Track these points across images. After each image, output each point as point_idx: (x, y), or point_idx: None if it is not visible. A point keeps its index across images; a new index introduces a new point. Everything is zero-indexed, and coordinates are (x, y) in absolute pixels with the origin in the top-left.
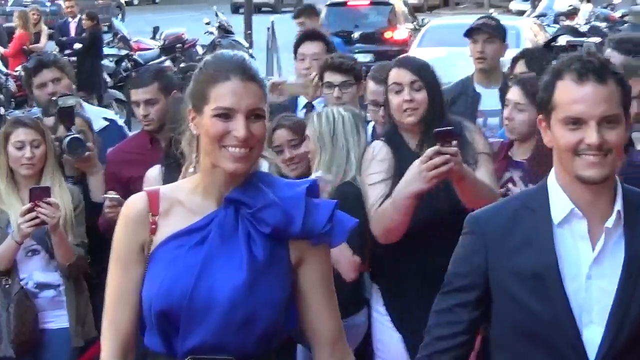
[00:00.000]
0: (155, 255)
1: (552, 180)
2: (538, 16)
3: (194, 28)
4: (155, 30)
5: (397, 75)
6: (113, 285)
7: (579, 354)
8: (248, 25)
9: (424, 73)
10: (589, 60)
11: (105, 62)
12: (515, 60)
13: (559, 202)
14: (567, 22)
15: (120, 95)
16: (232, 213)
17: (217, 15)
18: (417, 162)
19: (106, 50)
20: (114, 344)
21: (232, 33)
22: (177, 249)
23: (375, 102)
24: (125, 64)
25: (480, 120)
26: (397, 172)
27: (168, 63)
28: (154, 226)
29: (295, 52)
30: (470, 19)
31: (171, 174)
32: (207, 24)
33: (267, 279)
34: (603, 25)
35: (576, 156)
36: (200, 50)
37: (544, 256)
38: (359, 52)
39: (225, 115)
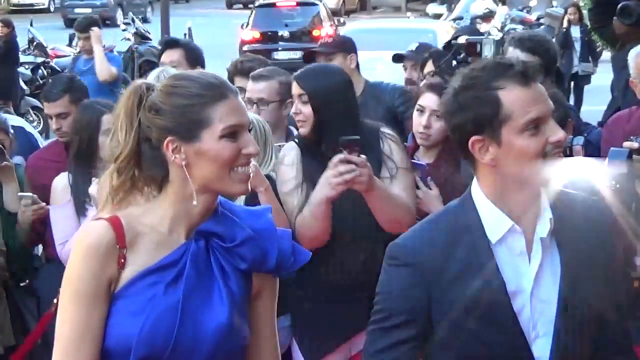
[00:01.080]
0: (125, 293)
1: (480, 197)
2: (455, 19)
3: (111, 34)
4: (72, 37)
5: (293, 87)
6: (74, 324)
7: None
8: (165, 31)
9: (310, 86)
10: (521, 64)
11: (21, 69)
12: (424, 61)
13: (494, 220)
14: (484, 25)
15: (37, 102)
16: (203, 246)
17: (133, 21)
18: (326, 171)
19: (22, 58)
20: None
21: (150, 39)
22: (152, 286)
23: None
24: (41, 71)
25: None
26: (308, 175)
27: None
28: (122, 260)
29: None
30: (387, 23)
31: (80, 182)
32: (124, 30)
33: (242, 315)
34: (519, 27)
35: (543, 161)
36: None
37: (489, 280)
38: (288, 50)
39: (234, 134)
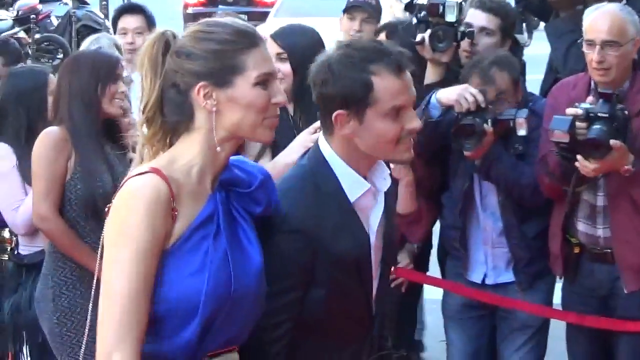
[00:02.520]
0: (181, 250)
1: (336, 161)
2: None
3: None
4: (9, 1)
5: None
6: (134, 280)
7: (369, 312)
8: None
9: (288, 44)
10: (398, 53)
11: None
12: (377, 32)
13: (352, 182)
14: None
15: None
16: (225, 196)
17: None
18: (304, 132)
19: None
20: (137, 342)
21: (87, 4)
22: (202, 241)
23: None
24: None
25: None
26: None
27: (22, 34)
28: (175, 213)
29: (115, 26)
30: None
31: (23, 150)
32: None
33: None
34: None
35: (398, 144)
36: (54, 20)
37: (357, 237)
38: (233, 13)
39: (266, 82)
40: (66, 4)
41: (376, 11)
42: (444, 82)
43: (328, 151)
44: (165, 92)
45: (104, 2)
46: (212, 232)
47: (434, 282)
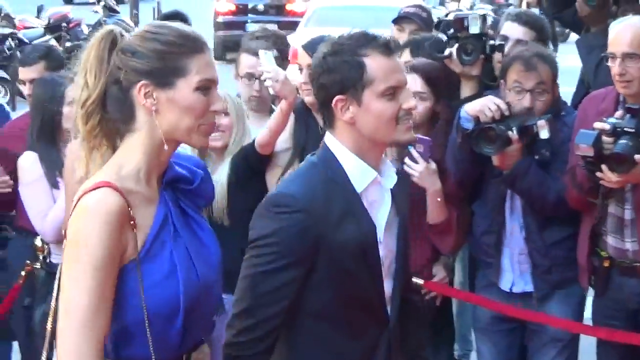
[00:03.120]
0: (149, 256)
1: (342, 151)
2: None
3: (78, 7)
4: (40, 8)
5: (300, 57)
6: (92, 293)
7: (381, 307)
8: (134, 5)
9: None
10: (385, 37)
11: None
12: (401, 49)
13: (359, 172)
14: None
15: (4, 74)
16: (172, 193)
17: None
18: None
19: None
20: (96, 354)
21: (118, 12)
22: (165, 244)
23: (251, 75)
24: (9, 42)
25: None
26: (296, 141)
27: (53, 42)
28: (133, 222)
29: None
30: (356, 1)
31: (49, 157)
32: (92, 3)
33: None
34: (488, 7)
35: (397, 124)
36: (85, 29)
37: (363, 225)
38: (261, 22)
39: (207, 88)
40: (97, 12)
41: (426, 23)
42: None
43: (334, 143)
44: (108, 88)
45: (134, 12)
46: (170, 232)
47: (464, 296)
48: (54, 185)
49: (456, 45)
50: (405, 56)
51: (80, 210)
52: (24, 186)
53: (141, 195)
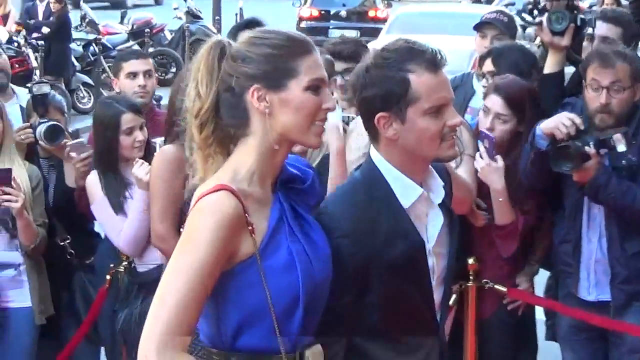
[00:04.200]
0: (267, 254)
1: (387, 167)
2: (507, 4)
3: (161, 13)
4: (123, 14)
5: None
6: (190, 287)
7: (432, 317)
8: (216, 11)
9: None
10: (432, 51)
11: (73, 45)
12: (482, 58)
13: (404, 187)
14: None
15: (87, 79)
16: (285, 194)
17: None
18: None
19: (74, 34)
20: (179, 346)
21: (201, 18)
22: (281, 239)
23: None
24: (93, 48)
25: (468, 116)
26: None
27: (136, 47)
28: (251, 227)
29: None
30: (438, 7)
31: (108, 183)
32: (175, 9)
33: None
34: None
35: (442, 141)
36: (168, 35)
37: (412, 242)
38: (343, 29)
39: (317, 88)
40: (180, 18)
41: (508, 29)
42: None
43: (377, 158)
44: (221, 96)
45: (217, 17)
46: (285, 231)
47: (547, 304)
48: (118, 209)
49: (547, 14)
50: (488, 66)
51: (198, 210)
52: (92, 205)
53: (256, 198)
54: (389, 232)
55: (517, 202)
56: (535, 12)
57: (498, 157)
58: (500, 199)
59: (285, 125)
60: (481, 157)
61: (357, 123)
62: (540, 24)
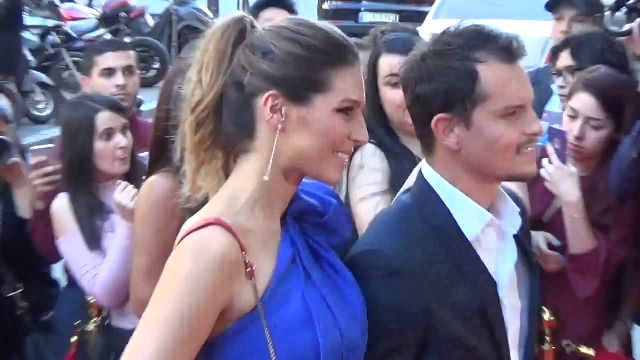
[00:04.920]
0: (272, 305)
1: (445, 186)
2: None
3: None
4: None
5: (393, 62)
6: (168, 347)
7: None
8: None
9: None
10: (506, 36)
11: (26, 34)
12: (556, 50)
13: (469, 213)
14: None
15: (45, 78)
16: (299, 229)
17: None
18: None
19: (28, 20)
20: None
21: None
22: (294, 287)
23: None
24: (53, 37)
25: (544, 123)
26: (397, 186)
27: (109, 37)
28: (249, 269)
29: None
30: None
31: (82, 208)
32: None
33: None
34: None
35: (517, 154)
36: (150, 20)
37: (481, 285)
38: (381, 12)
39: (349, 111)
40: None
41: (591, 8)
42: None
43: (433, 177)
44: (227, 92)
45: None
46: (300, 276)
47: None
48: (93, 245)
49: (639, 20)
50: (565, 59)
51: (181, 249)
52: (61, 239)
53: (259, 234)
54: (450, 272)
55: (601, 227)
56: (621, 13)
57: (570, 160)
58: (576, 216)
59: (299, 150)
60: (550, 160)
61: (368, 154)
62: (629, 33)
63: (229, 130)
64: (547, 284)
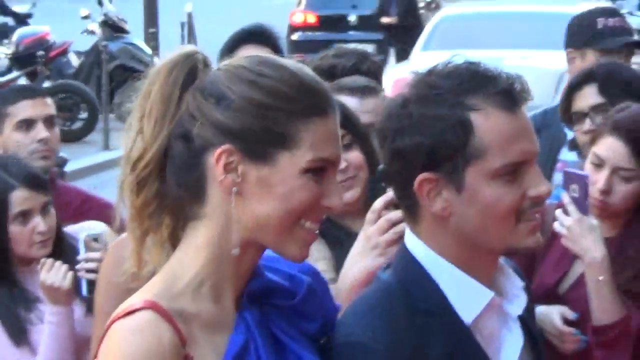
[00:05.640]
0: None
1: (434, 259)
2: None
3: (64, 25)
4: (4, 29)
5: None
6: None
7: None
8: (150, 20)
9: (353, 119)
10: (507, 78)
11: None
12: (575, 88)
13: (464, 292)
14: None
15: None
16: (259, 314)
17: (100, 2)
18: (361, 235)
19: None
20: None
21: (126, 31)
22: None
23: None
24: None
25: (557, 175)
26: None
27: (24, 81)
28: None
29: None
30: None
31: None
32: (85, 17)
33: None
34: None
35: (518, 222)
36: (74, 59)
37: None
38: (356, 42)
39: (321, 172)
40: (93, 32)
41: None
42: None
43: (419, 249)
44: (172, 144)
45: (151, 30)
46: None
47: None
48: (16, 337)
49: None
50: (591, 96)
51: (110, 345)
52: None
53: (207, 319)
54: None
55: (632, 294)
56: None
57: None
58: (601, 278)
59: (258, 218)
60: (565, 212)
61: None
62: None
63: (173, 192)
64: None
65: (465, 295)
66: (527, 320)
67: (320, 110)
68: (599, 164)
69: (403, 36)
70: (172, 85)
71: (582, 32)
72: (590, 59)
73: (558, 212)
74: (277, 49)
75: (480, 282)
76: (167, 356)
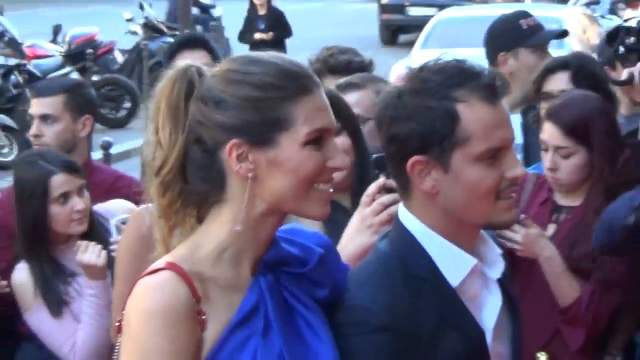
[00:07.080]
0: (219, 355)
1: (424, 231)
2: (588, 4)
3: (110, 26)
4: (57, 30)
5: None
6: None
7: None
8: (184, 17)
9: (343, 109)
10: (489, 74)
11: None
12: (550, 71)
13: (451, 259)
14: (628, 11)
15: (8, 120)
16: (273, 279)
17: (142, 7)
18: (356, 215)
19: None
20: None
21: (164, 33)
22: (246, 343)
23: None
24: (15, 77)
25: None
26: (334, 242)
27: (75, 75)
28: (202, 317)
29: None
30: (493, 10)
31: (42, 278)
32: (129, 20)
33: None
34: None
35: (497, 199)
36: (119, 56)
37: (469, 334)
38: (424, 6)
39: (320, 140)
40: (135, 33)
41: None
42: None
43: (411, 222)
44: (190, 149)
45: (185, 32)
46: (259, 328)
47: None
48: (56, 314)
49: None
50: (562, 81)
51: (135, 300)
52: (25, 315)
53: (222, 282)
54: (436, 322)
55: (583, 271)
56: (621, 48)
57: (527, 220)
58: (558, 270)
59: (277, 192)
60: (513, 229)
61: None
62: (631, 81)
63: (198, 188)
64: (541, 329)
65: (452, 262)
66: (505, 283)
67: (305, 89)
68: (545, 148)
69: None
70: (177, 99)
71: (509, 35)
72: (523, 56)
73: (508, 233)
74: (209, 50)
75: (464, 251)
76: (180, 310)
